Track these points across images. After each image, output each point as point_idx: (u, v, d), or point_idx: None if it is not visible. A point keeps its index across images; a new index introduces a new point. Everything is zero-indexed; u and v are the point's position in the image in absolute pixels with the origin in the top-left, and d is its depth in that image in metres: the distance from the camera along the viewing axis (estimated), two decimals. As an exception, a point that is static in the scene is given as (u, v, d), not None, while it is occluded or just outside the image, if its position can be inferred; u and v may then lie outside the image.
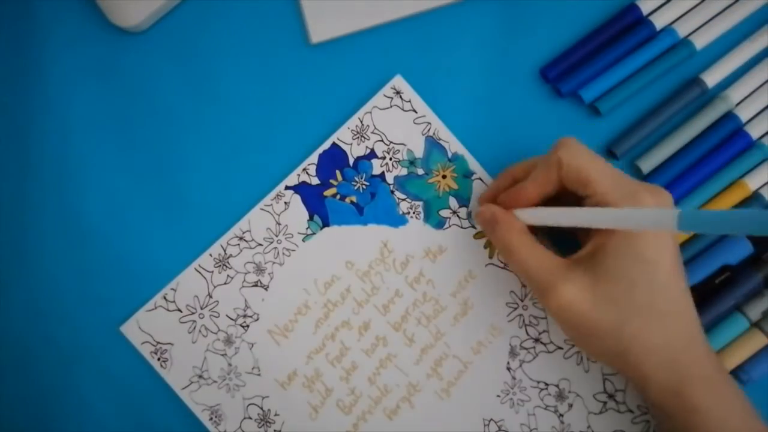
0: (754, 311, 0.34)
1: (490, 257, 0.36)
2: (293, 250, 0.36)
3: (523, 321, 0.36)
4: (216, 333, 0.36)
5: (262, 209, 0.36)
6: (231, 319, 0.36)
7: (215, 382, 0.36)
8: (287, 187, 0.36)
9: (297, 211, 0.36)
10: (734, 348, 0.34)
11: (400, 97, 0.36)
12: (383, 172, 0.36)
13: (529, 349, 0.36)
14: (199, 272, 0.36)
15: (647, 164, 0.35)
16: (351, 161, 0.36)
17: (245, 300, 0.36)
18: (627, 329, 0.29)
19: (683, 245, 0.35)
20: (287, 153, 0.36)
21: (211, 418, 0.36)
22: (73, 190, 0.36)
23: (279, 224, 0.36)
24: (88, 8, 0.36)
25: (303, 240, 0.36)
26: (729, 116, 0.35)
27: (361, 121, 0.36)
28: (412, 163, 0.36)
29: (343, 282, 0.36)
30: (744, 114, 0.35)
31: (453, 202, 0.36)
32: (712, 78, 0.36)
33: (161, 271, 0.36)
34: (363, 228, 0.36)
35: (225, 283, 0.36)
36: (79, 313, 0.36)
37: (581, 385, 0.35)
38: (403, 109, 0.36)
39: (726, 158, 0.35)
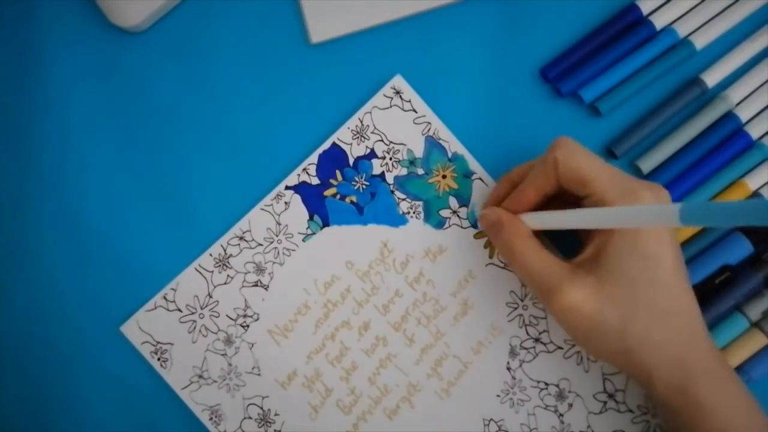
0: (754, 311, 0.34)
1: (490, 257, 0.36)
2: (293, 250, 0.36)
3: (523, 321, 0.36)
4: (216, 333, 0.36)
5: (262, 209, 0.36)
6: (231, 319, 0.36)
7: (215, 382, 0.36)
8: (287, 187, 0.36)
9: (297, 211, 0.36)
10: (734, 348, 0.34)
11: (400, 97, 0.36)
12: (383, 172, 0.36)
13: (529, 349, 0.36)
14: (200, 272, 0.36)
15: (647, 164, 0.35)
16: (351, 161, 0.36)
17: (245, 300, 0.36)
18: (631, 328, 0.29)
19: (683, 245, 0.35)
20: (287, 153, 0.36)
21: (211, 418, 0.36)
22: (73, 190, 0.36)
23: (279, 224, 0.36)
24: (88, 8, 0.36)
25: (303, 240, 0.36)
26: (729, 116, 0.35)
27: (361, 121, 0.36)
28: (412, 163, 0.36)
29: (343, 282, 0.36)
30: (744, 114, 0.35)
31: (453, 202, 0.36)
32: (712, 78, 0.36)
33: (161, 271, 0.36)
34: (363, 228, 0.36)
35: (225, 283, 0.36)
36: (79, 313, 0.36)
37: (581, 384, 0.35)
38: (403, 109, 0.36)
39: (726, 158, 0.35)
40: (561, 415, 0.35)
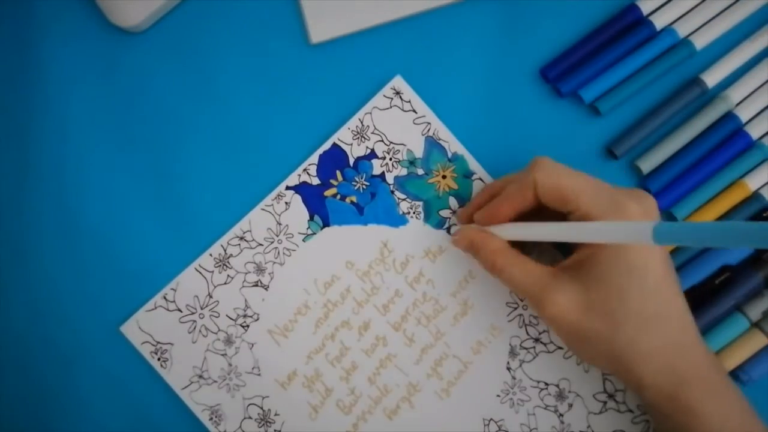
0: (754, 311, 0.34)
1: (490, 257, 0.36)
2: (294, 250, 0.36)
3: (523, 321, 0.36)
4: (216, 333, 0.36)
5: (263, 209, 0.36)
6: (231, 319, 0.36)
7: (215, 382, 0.36)
8: (288, 188, 0.36)
9: (297, 211, 0.36)
10: (734, 348, 0.34)
11: (400, 97, 0.36)
12: (383, 172, 0.36)
13: (529, 349, 0.36)
14: (200, 272, 0.36)
15: (647, 164, 0.35)
16: (351, 161, 0.36)
17: (245, 300, 0.36)
18: (620, 335, 0.29)
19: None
20: (288, 153, 0.36)
21: (211, 418, 0.36)
22: (72, 190, 0.36)
23: (279, 224, 0.36)
24: (87, 8, 0.36)
25: (303, 240, 0.36)
26: (729, 116, 0.35)
27: (361, 122, 0.36)
28: (412, 163, 0.36)
29: (343, 282, 0.36)
30: (744, 114, 0.35)
31: (453, 202, 0.36)
32: (712, 78, 0.36)
33: (161, 271, 0.36)
34: (363, 228, 0.36)
35: (225, 283, 0.36)
36: (79, 313, 0.36)
37: (581, 384, 0.35)
38: (402, 110, 0.36)
39: (726, 158, 0.35)
40: (561, 415, 0.35)
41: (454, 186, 0.36)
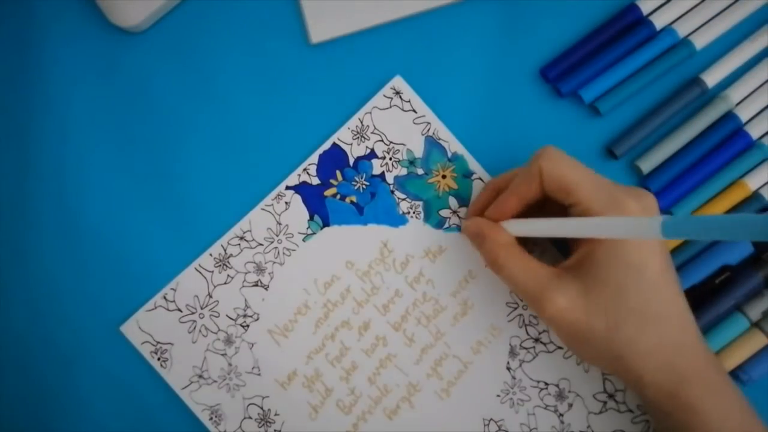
0: (754, 311, 0.34)
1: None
2: (293, 250, 0.36)
3: (523, 321, 0.36)
4: (216, 333, 0.36)
5: (263, 209, 0.36)
6: (231, 318, 0.36)
7: (215, 382, 0.36)
8: (288, 187, 0.36)
9: (297, 211, 0.36)
10: (734, 348, 0.34)
11: (400, 97, 0.36)
12: (383, 172, 0.36)
13: (529, 349, 0.36)
14: (200, 272, 0.36)
15: (647, 164, 0.35)
16: (351, 161, 0.36)
17: (245, 300, 0.36)
18: (619, 334, 0.29)
19: (683, 245, 0.35)
20: (287, 153, 0.36)
21: (211, 418, 0.36)
22: (72, 190, 0.36)
23: (279, 224, 0.36)
24: (87, 8, 0.36)
25: (303, 240, 0.36)
26: (729, 116, 0.35)
27: (361, 122, 0.36)
28: (411, 163, 0.36)
29: (343, 282, 0.36)
30: (744, 114, 0.35)
31: (453, 202, 0.36)
32: (712, 78, 0.36)
33: (161, 271, 0.36)
34: (363, 228, 0.36)
35: (225, 283, 0.36)
36: (79, 313, 0.36)
37: (581, 384, 0.35)
38: (402, 110, 0.36)
39: (726, 158, 0.35)
40: (561, 415, 0.35)
41: (454, 186, 0.36)
